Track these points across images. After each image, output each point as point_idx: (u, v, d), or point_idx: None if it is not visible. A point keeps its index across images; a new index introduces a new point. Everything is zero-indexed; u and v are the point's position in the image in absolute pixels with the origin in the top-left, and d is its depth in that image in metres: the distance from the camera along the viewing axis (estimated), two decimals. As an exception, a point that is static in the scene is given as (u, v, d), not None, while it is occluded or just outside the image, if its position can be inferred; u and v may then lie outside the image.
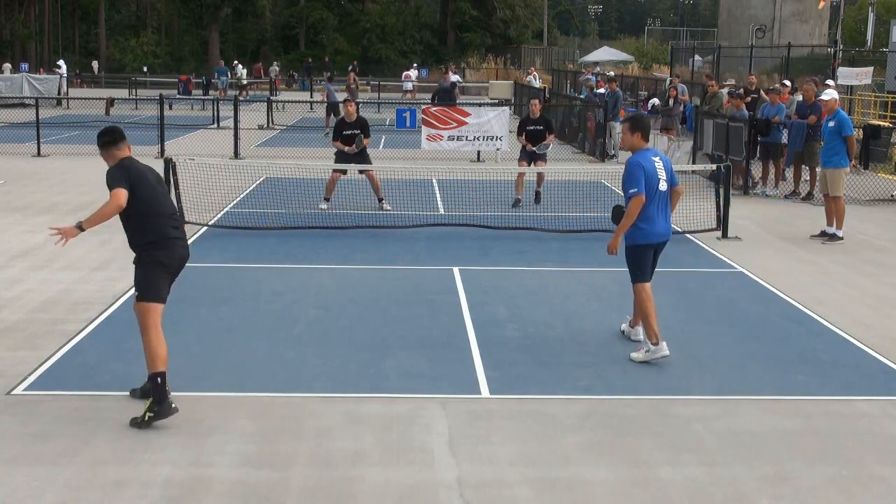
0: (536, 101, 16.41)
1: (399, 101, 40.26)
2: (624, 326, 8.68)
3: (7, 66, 46.01)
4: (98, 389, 7.03)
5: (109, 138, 6.71)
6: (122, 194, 6.41)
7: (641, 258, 8.09)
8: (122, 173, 6.53)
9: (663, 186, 7.95)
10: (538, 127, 15.65)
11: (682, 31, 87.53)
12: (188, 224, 13.12)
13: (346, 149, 14.99)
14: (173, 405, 6.38)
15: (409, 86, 47.08)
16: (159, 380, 6.36)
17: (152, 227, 6.55)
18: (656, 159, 8.02)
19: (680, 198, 8.31)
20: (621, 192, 8.18)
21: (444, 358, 7.90)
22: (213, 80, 47.09)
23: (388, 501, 5.41)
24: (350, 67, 57.48)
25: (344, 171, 14.97)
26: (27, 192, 16.42)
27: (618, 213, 8.25)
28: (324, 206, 14.99)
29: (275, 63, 58.41)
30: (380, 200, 15.11)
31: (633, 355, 7.99)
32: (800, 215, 15.41)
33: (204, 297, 9.73)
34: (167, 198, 6.87)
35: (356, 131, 15.08)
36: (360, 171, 14.91)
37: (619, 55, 61.19)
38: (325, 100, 29.72)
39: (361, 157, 15.14)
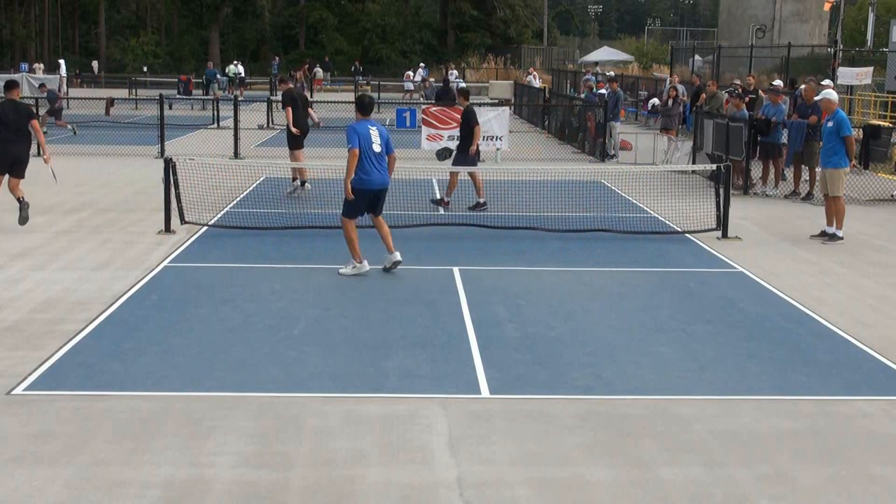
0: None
1: (399, 100, 40.24)
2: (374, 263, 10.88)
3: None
4: (98, 389, 7.03)
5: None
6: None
7: (356, 199, 10.58)
8: None
9: (377, 148, 10.53)
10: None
11: (682, 31, 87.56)
12: (188, 224, 13.15)
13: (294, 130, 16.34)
14: None
15: (411, 86, 47.10)
16: None
17: None
18: (372, 128, 10.62)
19: (395, 163, 10.91)
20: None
21: (444, 358, 7.90)
22: (219, 78, 47.15)
23: (388, 501, 5.41)
24: (353, 68, 57.67)
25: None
26: (27, 192, 16.38)
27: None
28: (290, 189, 16.17)
29: (317, 65, 58.50)
30: (303, 183, 16.29)
31: (342, 270, 10.68)
32: (800, 215, 15.41)
33: (204, 297, 9.73)
34: None
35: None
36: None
37: (619, 55, 61.13)
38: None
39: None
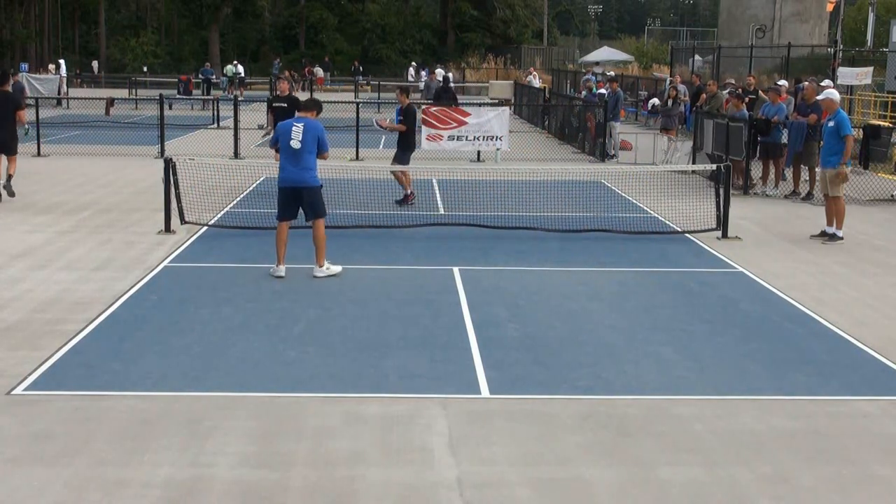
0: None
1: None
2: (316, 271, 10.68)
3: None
4: (98, 389, 7.04)
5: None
6: None
7: (278, 198, 10.63)
8: None
9: (296, 145, 10.31)
10: (283, 105, 16.32)
11: (682, 31, 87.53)
12: (188, 224, 13.15)
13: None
14: None
15: (422, 85, 46.65)
16: None
17: None
18: (297, 125, 10.43)
19: (326, 159, 10.76)
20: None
21: (444, 358, 7.91)
22: (214, 80, 47.09)
23: (388, 501, 5.41)
24: (353, 68, 57.69)
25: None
26: (27, 192, 16.40)
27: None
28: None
29: (318, 66, 58.40)
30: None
31: (316, 273, 10.58)
32: (800, 215, 15.42)
33: (204, 297, 9.73)
34: None
35: (284, 105, 16.21)
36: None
37: (619, 55, 61.13)
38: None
39: None
